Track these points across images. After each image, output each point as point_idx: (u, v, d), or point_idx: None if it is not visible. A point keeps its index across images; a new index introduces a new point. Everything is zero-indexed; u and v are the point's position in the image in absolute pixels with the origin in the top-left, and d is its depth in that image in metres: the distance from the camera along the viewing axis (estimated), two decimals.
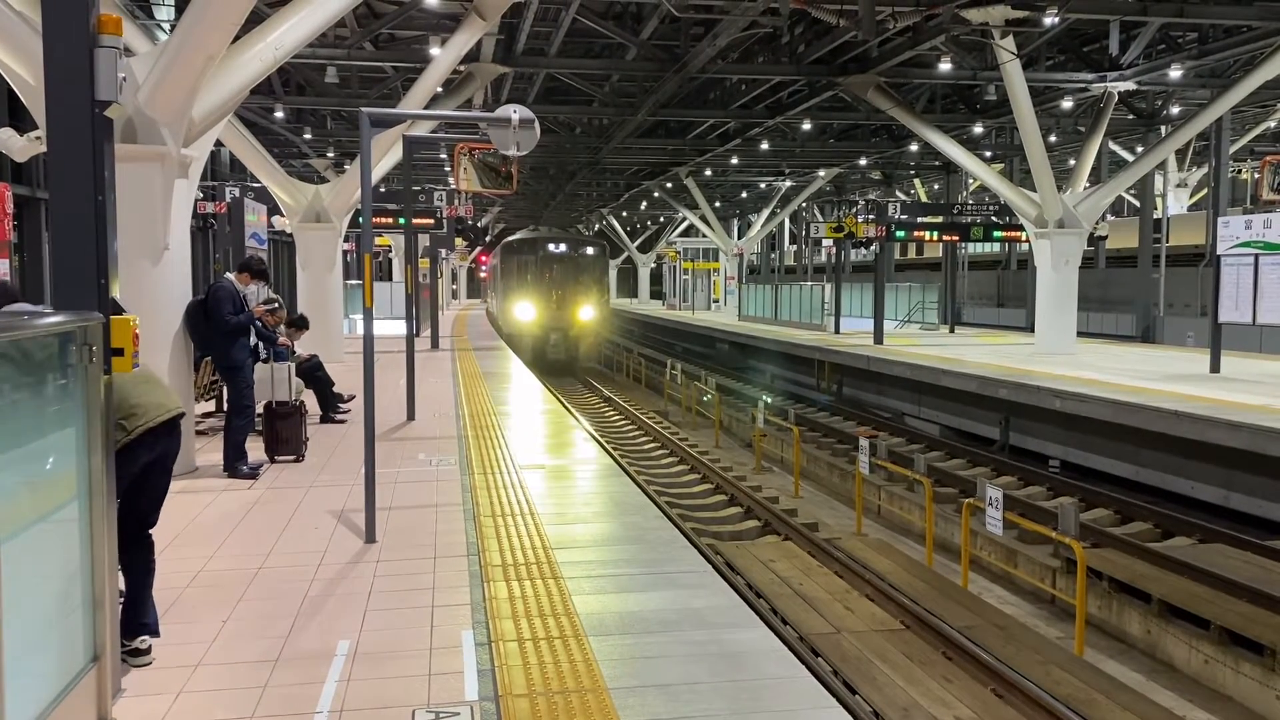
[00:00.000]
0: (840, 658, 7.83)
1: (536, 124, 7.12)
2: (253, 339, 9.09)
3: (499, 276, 33.14)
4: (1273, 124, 29.44)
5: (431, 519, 6.91)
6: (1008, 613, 9.30)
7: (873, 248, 25.93)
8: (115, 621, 3.88)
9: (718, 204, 49.23)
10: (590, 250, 30.90)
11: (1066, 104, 23.27)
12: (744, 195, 48.36)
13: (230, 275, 8.98)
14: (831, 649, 8.02)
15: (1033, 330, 22.75)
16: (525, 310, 29.03)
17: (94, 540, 3.70)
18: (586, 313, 29.55)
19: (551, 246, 30.27)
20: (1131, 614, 9.03)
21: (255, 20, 8.60)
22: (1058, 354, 19.48)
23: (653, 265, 60.91)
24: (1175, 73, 19.44)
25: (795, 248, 62.96)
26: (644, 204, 51.26)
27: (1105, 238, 31.56)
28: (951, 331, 28.44)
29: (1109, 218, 32.89)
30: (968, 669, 7.63)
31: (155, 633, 4.49)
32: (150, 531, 4.53)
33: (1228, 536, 10.52)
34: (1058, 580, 9.86)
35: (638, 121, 23.85)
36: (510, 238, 32.31)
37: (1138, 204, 30.80)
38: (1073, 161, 25.42)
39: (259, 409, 9.09)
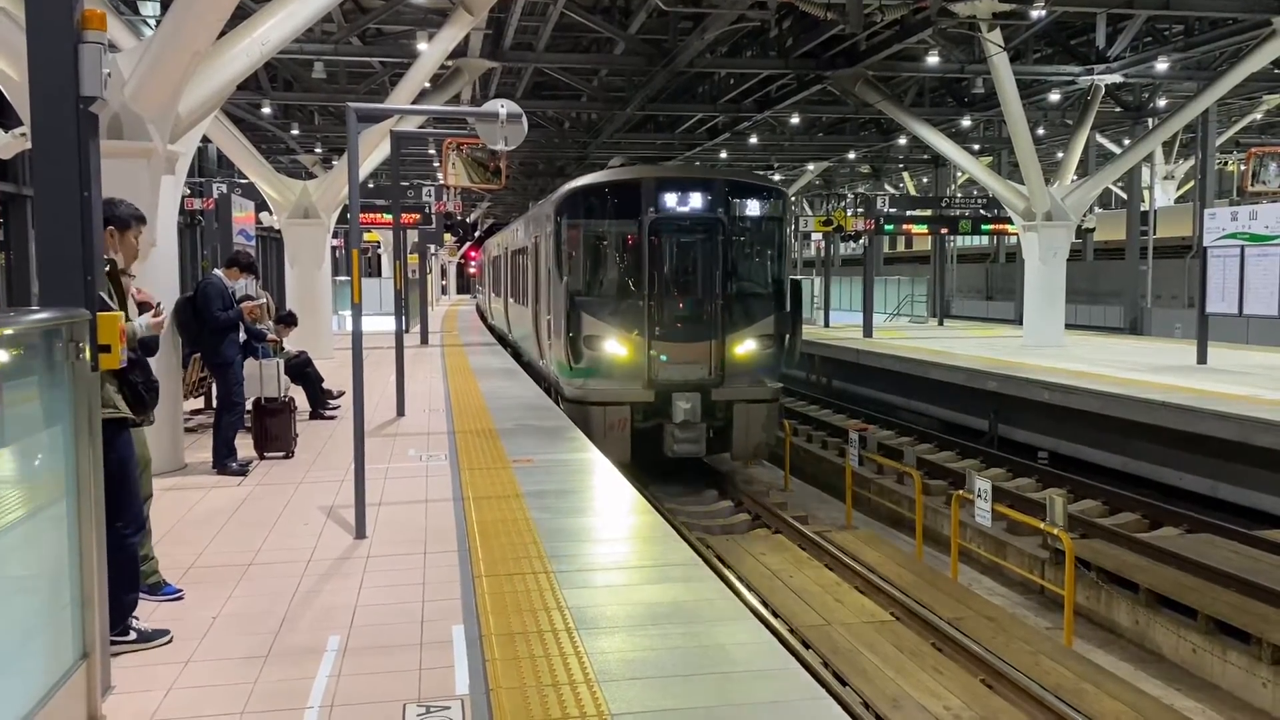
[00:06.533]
0: (830, 650, 7.87)
1: (524, 118, 7.10)
2: (242, 335, 9.07)
3: (541, 267, 15.20)
4: (1258, 116, 29.52)
5: (422, 514, 6.90)
6: (997, 604, 9.35)
7: (861, 241, 26.00)
8: (105, 618, 3.86)
9: None
10: (756, 203, 14.04)
11: (1054, 97, 23.33)
12: None
13: (219, 271, 8.95)
14: (822, 641, 8.05)
15: (1021, 323, 22.82)
16: (612, 345, 13.13)
17: (83, 537, 3.69)
18: (754, 345, 13.39)
19: (675, 197, 13.35)
20: (1120, 604, 9.09)
21: (241, 15, 8.57)
22: (1046, 346, 19.55)
23: None
24: (1162, 65, 19.51)
25: None
26: None
27: (1093, 230, 31.69)
28: (940, 324, 28.53)
29: (1097, 210, 33.03)
30: (957, 660, 7.67)
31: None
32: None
33: (1215, 526, 10.59)
34: (1046, 571, 9.91)
35: (626, 116, 23.83)
36: (576, 183, 14.66)
37: (1125, 196, 30.91)
38: (1060, 154, 25.50)
39: (248, 405, 9.07)
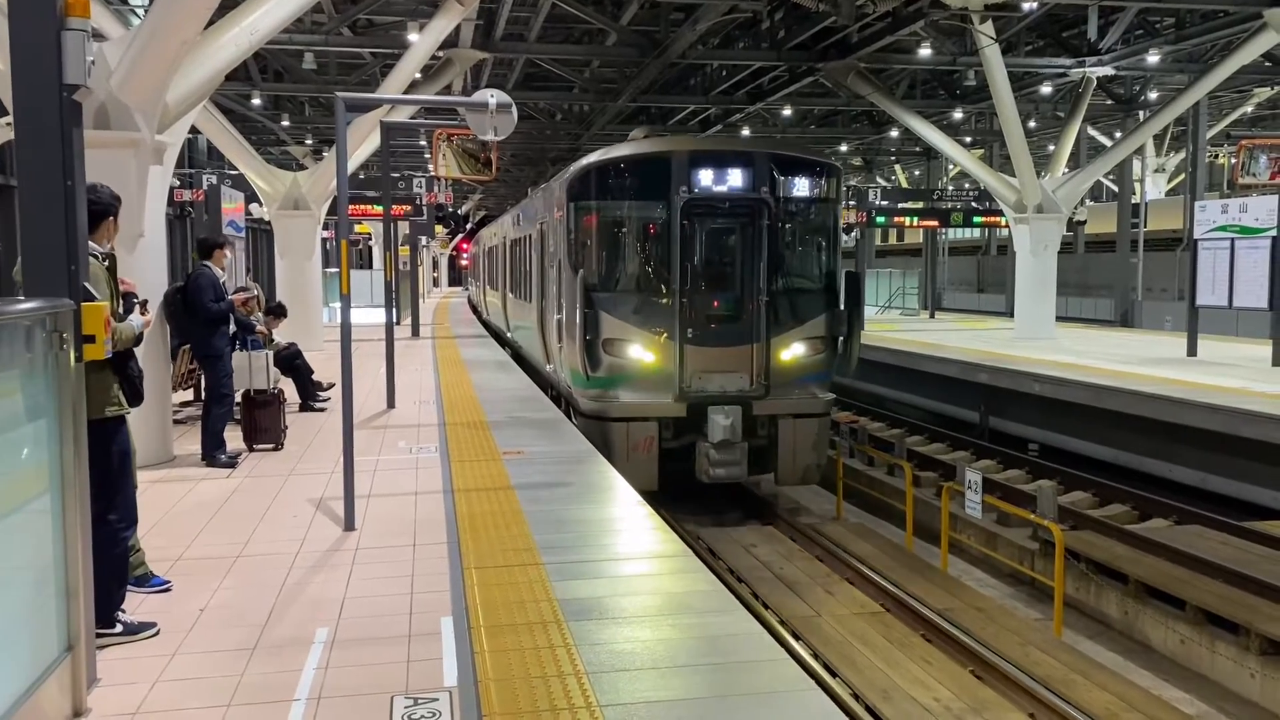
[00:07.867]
0: (821, 641, 7.87)
1: (514, 108, 7.08)
2: (232, 327, 9.02)
3: (549, 258, 13.24)
4: (1249, 109, 29.61)
5: (411, 507, 6.88)
6: (987, 595, 9.36)
7: (853, 234, 26.01)
8: (90, 611, 3.84)
9: None
10: (806, 182, 11.63)
11: (1046, 89, 23.36)
12: None
13: (208, 263, 8.88)
14: (812, 632, 8.06)
15: (1012, 315, 22.87)
16: (637, 350, 11.15)
17: (67, 529, 3.66)
18: (803, 350, 11.47)
19: (711, 175, 11.24)
20: (1109, 595, 9.11)
21: (230, 4, 8.51)
22: (1037, 339, 19.59)
23: None
24: (1153, 58, 19.54)
25: None
26: None
27: (1084, 223, 31.75)
28: (932, 317, 28.56)
29: (1088, 203, 33.09)
30: (947, 651, 7.68)
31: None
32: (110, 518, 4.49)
33: (1205, 518, 10.61)
34: (1036, 562, 9.92)
35: (618, 108, 23.79)
36: (591, 159, 11.96)
37: (1116, 189, 30.96)
38: (1052, 147, 25.53)
39: (237, 398, 9.03)
